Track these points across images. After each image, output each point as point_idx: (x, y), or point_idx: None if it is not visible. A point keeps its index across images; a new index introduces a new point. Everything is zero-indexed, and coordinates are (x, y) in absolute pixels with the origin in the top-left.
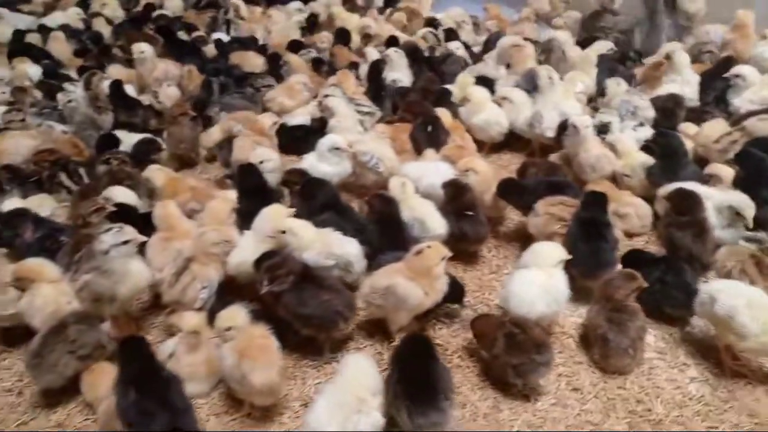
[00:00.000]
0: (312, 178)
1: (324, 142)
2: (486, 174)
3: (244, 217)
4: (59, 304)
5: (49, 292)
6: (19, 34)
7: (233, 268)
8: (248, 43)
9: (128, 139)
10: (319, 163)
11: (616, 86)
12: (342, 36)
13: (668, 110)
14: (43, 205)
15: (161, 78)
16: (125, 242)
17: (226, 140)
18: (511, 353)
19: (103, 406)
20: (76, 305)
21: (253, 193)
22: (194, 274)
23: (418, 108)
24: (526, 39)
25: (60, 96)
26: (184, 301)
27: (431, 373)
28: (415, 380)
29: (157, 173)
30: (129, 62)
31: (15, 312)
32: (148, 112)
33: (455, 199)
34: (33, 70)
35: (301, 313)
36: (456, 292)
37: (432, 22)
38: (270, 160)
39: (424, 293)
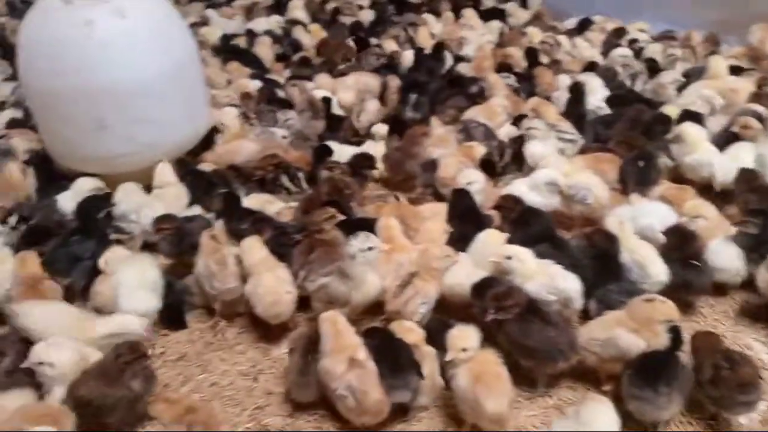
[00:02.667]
0: (530, 207)
1: (540, 176)
2: (715, 221)
3: (456, 241)
4: (279, 294)
5: (271, 282)
6: (227, 39)
7: (447, 289)
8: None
9: (339, 151)
10: (530, 192)
11: None
12: (533, 57)
13: None
14: (267, 204)
15: (363, 90)
16: (370, 248)
17: (430, 162)
18: (714, 385)
19: None
20: (293, 296)
21: (465, 217)
22: (417, 289)
23: (632, 141)
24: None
25: (279, 115)
26: (405, 314)
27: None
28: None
29: None
30: (331, 71)
31: (235, 286)
32: (350, 127)
33: (680, 247)
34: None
35: (524, 344)
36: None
37: (619, 33)
38: (477, 182)
39: (645, 344)
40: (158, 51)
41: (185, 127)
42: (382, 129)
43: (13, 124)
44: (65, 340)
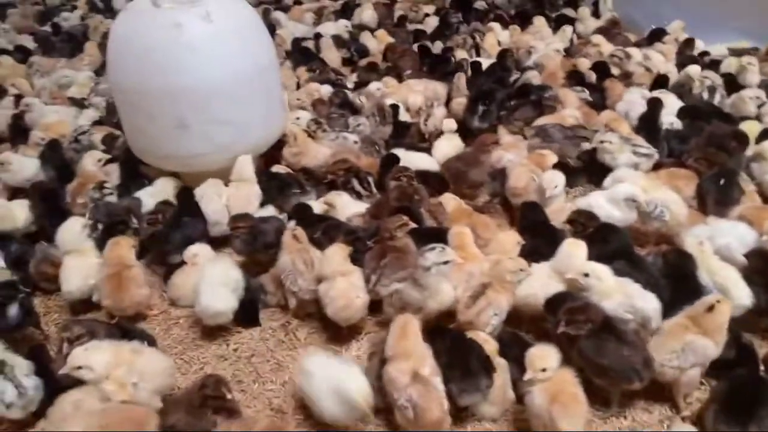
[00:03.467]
0: (607, 224)
1: (620, 191)
2: None
3: (528, 254)
4: (350, 299)
5: (343, 286)
6: (297, 42)
7: (520, 299)
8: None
9: (405, 156)
10: (607, 205)
11: None
12: (603, 69)
13: None
14: None
15: (431, 97)
16: (446, 262)
17: (499, 170)
18: None
19: None
20: (364, 301)
21: (535, 230)
22: (489, 300)
23: (712, 158)
24: None
25: (351, 120)
26: (477, 324)
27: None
28: None
29: (450, 200)
30: (399, 76)
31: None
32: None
33: (764, 270)
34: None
35: (598, 362)
36: None
37: (689, 44)
38: (560, 184)
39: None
40: (241, 54)
41: (262, 130)
42: (452, 124)
43: (97, 122)
44: (102, 342)
